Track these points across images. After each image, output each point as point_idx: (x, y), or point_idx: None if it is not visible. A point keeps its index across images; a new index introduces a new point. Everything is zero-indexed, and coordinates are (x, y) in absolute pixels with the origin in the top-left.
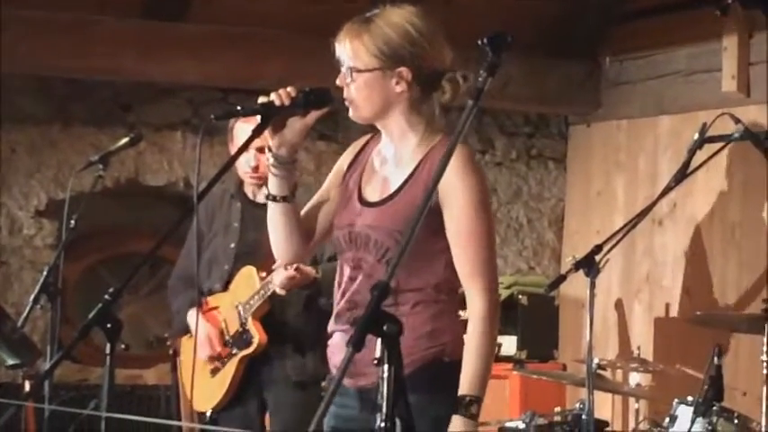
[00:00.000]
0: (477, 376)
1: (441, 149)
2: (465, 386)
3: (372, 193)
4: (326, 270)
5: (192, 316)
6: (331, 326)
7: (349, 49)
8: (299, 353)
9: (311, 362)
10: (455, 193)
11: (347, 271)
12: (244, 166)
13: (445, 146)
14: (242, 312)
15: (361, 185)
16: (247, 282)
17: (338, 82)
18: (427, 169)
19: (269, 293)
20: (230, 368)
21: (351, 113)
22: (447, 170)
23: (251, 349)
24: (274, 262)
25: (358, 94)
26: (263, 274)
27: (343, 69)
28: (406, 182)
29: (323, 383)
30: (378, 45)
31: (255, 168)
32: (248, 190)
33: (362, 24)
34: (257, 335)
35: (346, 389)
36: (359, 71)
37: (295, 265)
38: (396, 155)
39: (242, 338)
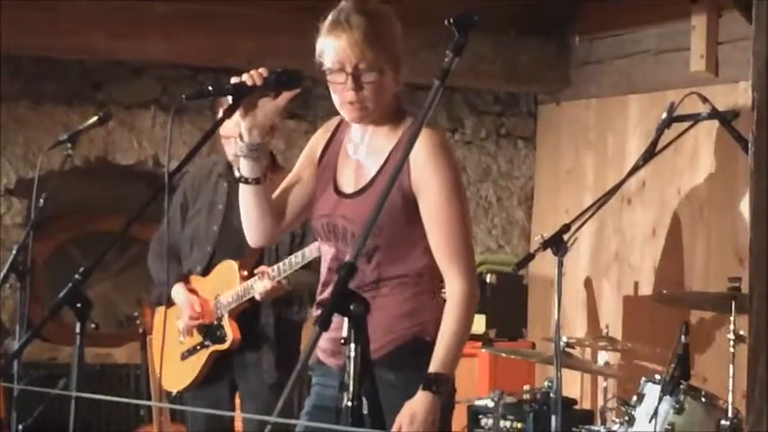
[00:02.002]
0: (449, 356)
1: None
2: (435, 364)
3: (347, 183)
4: (298, 282)
5: (176, 290)
6: (315, 313)
7: (364, 54)
8: (271, 359)
9: (283, 370)
10: (428, 179)
11: (328, 262)
12: (231, 152)
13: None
14: (219, 307)
15: (336, 173)
16: (228, 277)
17: (348, 87)
18: (399, 157)
19: (248, 297)
20: (200, 359)
21: (354, 116)
22: (419, 157)
23: (224, 346)
24: (255, 258)
25: (374, 98)
26: (245, 273)
27: (346, 70)
28: (379, 171)
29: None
30: (390, 49)
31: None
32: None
33: (369, 24)
34: (231, 333)
35: (329, 369)
36: (379, 76)
37: (276, 279)
38: (370, 142)
39: (215, 333)
